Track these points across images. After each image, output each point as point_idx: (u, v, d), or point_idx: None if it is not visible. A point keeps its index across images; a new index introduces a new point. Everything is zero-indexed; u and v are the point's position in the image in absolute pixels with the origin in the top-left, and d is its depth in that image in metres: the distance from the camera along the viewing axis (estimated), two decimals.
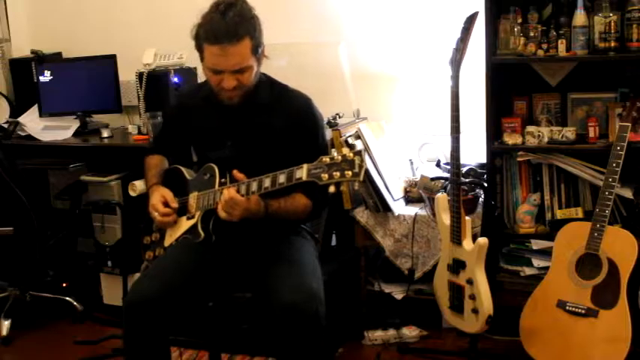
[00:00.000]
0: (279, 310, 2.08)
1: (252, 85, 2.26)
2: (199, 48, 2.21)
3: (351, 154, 1.90)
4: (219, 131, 2.37)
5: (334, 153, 1.94)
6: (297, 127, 2.29)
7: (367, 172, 3.05)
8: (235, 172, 2.17)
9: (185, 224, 2.35)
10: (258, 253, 2.32)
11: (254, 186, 2.11)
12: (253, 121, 2.32)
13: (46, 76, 3.88)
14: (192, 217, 2.32)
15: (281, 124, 2.30)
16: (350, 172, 1.89)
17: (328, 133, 3.13)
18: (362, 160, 1.89)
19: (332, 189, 1.92)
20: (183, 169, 2.49)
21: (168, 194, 2.39)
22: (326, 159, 1.93)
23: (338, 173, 1.90)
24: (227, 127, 2.35)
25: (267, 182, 2.08)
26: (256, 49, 2.20)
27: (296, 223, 2.40)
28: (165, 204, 2.37)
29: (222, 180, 2.25)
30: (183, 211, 2.37)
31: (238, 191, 2.14)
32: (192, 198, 2.33)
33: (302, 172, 1.98)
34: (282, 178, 2.04)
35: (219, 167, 2.28)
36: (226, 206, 2.14)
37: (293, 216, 2.30)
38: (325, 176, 1.91)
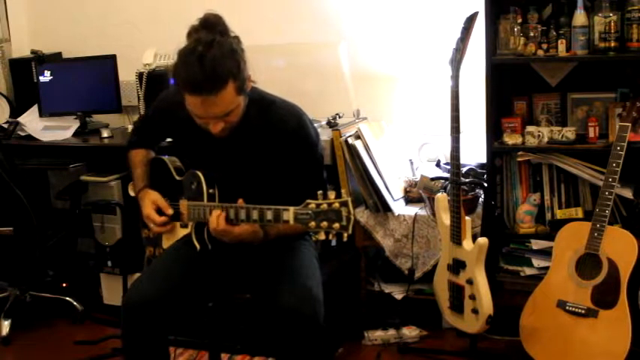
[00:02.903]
0: (278, 312, 2.08)
1: (240, 117, 2.13)
2: (180, 90, 2.04)
3: (337, 204, 1.82)
4: (205, 153, 2.28)
5: (320, 196, 1.86)
6: (290, 147, 2.18)
7: (367, 172, 3.06)
8: (240, 202, 2.08)
9: (180, 231, 2.34)
10: (257, 255, 2.31)
11: (242, 214, 2.05)
12: (242, 145, 2.22)
13: (46, 76, 3.88)
14: (186, 225, 2.31)
15: (272, 145, 2.19)
16: (338, 225, 1.82)
17: (328, 133, 3.14)
18: (349, 212, 1.82)
19: (322, 237, 1.85)
20: (169, 162, 2.42)
21: (159, 200, 2.33)
22: (312, 205, 1.85)
23: (326, 223, 1.83)
24: (214, 151, 2.25)
25: (255, 215, 2.02)
26: (241, 88, 2.04)
27: (298, 236, 2.34)
28: (159, 211, 2.32)
29: (210, 191, 2.20)
30: (176, 216, 2.33)
31: (227, 216, 2.08)
32: (183, 206, 2.28)
33: (289, 215, 1.91)
34: (269, 215, 1.97)
35: (205, 176, 2.23)
36: (216, 234, 2.11)
37: (292, 234, 2.26)
38: (313, 224, 1.85)
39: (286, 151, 2.19)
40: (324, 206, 1.84)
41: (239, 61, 2.03)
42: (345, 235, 1.84)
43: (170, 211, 2.32)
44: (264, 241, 2.17)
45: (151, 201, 2.34)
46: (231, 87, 2.00)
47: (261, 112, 2.21)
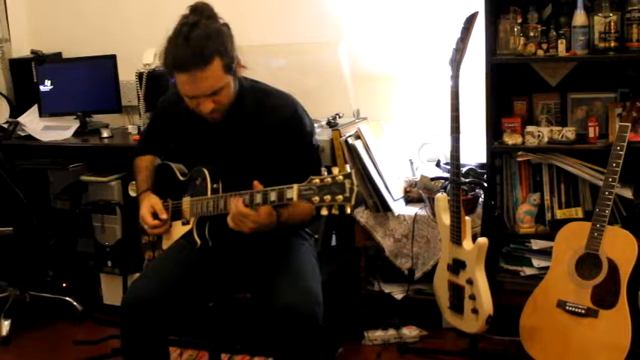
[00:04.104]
0: (278, 312, 2.08)
1: (232, 100, 2.17)
2: (171, 74, 2.12)
3: (341, 177, 1.85)
4: (205, 145, 2.31)
5: (324, 172, 1.89)
6: (286, 135, 2.22)
7: (367, 172, 3.06)
8: (256, 184, 2.08)
9: (181, 229, 2.34)
10: (257, 255, 2.31)
11: (246, 199, 2.06)
12: (239, 134, 2.25)
13: (47, 86, 3.87)
14: (187, 222, 2.31)
15: (268, 135, 2.23)
16: (341, 197, 1.84)
17: (328, 133, 3.14)
18: (352, 184, 1.84)
19: (324, 212, 1.87)
20: (174, 166, 2.45)
21: (157, 204, 2.34)
22: (316, 180, 1.88)
23: (329, 197, 1.85)
24: (213, 142, 2.29)
25: (258, 198, 2.03)
26: (229, 66, 2.09)
27: (302, 226, 2.36)
28: (154, 214, 2.33)
29: (214, 186, 2.22)
30: (178, 215, 2.35)
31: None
32: (186, 203, 2.30)
33: (292, 193, 1.92)
34: (273, 196, 1.99)
35: (210, 172, 2.25)
36: (235, 220, 2.09)
37: (300, 220, 2.25)
38: (316, 199, 1.87)
39: (283, 139, 2.22)
40: (328, 180, 1.87)
41: (225, 40, 2.09)
42: (349, 207, 1.85)
43: (164, 216, 2.33)
44: (278, 225, 2.15)
45: (150, 204, 2.36)
46: (217, 63, 2.05)
47: (257, 101, 2.25)
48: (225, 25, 2.14)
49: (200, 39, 2.03)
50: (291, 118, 2.23)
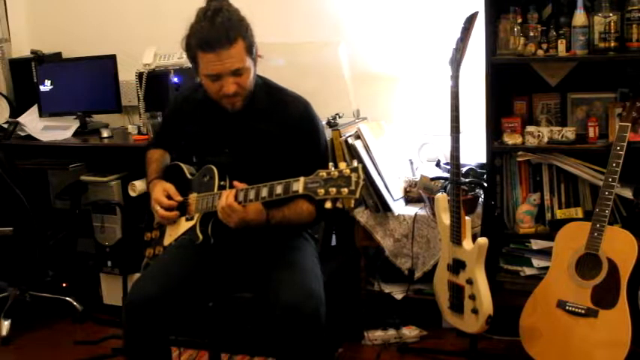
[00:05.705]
0: (280, 311, 2.08)
1: (251, 88, 2.25)
2: (193, 58, 2.20)
3: (348, 170, 1.87)
4: (216, 138, 2.36)
5: (332, 167, 1.91)
6: (296, 133, 2.27)
7: (367, 172, 3.06)
8: (235, 183, 2.16)
9: (184, 225, 2.35)
10: (259, 254, 2.32)
11: (252, 194, 2.10)
12: (251, 128, 2.30)
13: (47, 85, 3.87)
14: (192, 218, 2.32)
15: (279, 131, 2.28)
16: (346, 190, 1.86)
17: (328, 133, 3.14)
18: (358, 177, 1.86)
19: (328, 205, 1.89)
20: (183, 166, 2.49)
21: (170, 188, 2.40)
22: (323, 173, 1.91)
23: (334, 189, 1.88)
24: (224, 134, 2.34)
25: (264, 192, 2.06)
26: (250, 49, 2.19)
27: (300, 228, 2.38)
28: (169, 197, 2.37)
29: (222, 183, 2.25)
30: (182, 211, 2.37)
31: (236, 198, 2.12)
32: (192, 199, 2.33)
33: (298, 185, 1.95)
34: (279, 189, 2.02)
35: (219, 170, 2.28)
36: (223, 212, 2.15)
37: (297, 222, 2.29)
38: (322, 191, 1.89)
39: (294, 134, 2.26)
40: (335, 173, 1.90)
41: (247, 25, 2.18)
42: (352, 200, 1.87)
43: (179, 198, 2.37)
44: (267, 224, 2.20)
45: (162, 188, 2.40)
46: (241, 44, 2.14)
47: (270, 96, 2.31)
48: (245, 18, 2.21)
49: (224, 21, 2.12)
50: (302, 114, 2.29)
